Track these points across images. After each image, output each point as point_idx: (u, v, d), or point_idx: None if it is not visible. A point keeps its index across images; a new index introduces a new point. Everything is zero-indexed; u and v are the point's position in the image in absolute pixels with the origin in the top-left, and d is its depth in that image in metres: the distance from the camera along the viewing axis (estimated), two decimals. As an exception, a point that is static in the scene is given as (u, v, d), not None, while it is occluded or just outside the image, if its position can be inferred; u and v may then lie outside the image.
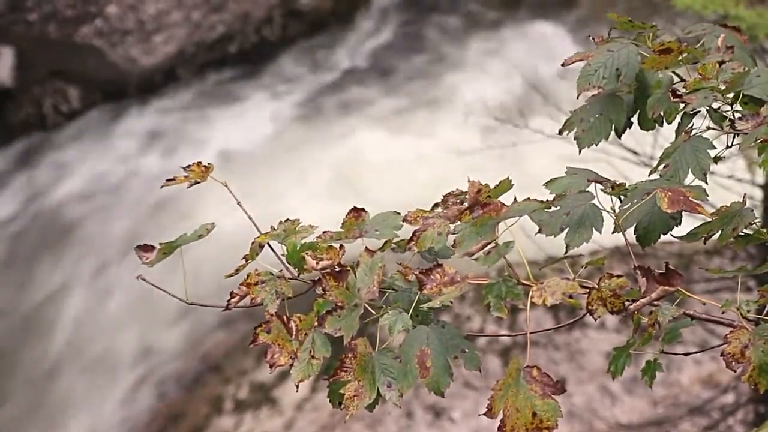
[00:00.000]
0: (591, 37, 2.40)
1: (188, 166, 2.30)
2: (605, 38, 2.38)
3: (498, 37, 11.67)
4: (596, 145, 2.38)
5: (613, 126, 2.36)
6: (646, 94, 2.34)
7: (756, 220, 2.16)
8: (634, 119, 2.39)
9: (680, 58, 2.29)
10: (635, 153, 6.64)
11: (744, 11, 6.15)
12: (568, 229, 2.11)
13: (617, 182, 2.17)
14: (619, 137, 2.39)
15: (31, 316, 9.12)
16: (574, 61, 2.36)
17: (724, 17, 6.15)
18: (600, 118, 2.36)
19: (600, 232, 2.12)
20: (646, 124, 2.37)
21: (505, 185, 2.12)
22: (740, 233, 2.15)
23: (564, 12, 11.77)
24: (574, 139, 2.37)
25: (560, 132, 2.41)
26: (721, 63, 2.28)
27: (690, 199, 2.06)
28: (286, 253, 2.15)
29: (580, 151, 2.36)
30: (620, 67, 2.30)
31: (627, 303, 2.00)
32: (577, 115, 2.39)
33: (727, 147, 2.23)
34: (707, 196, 2.10)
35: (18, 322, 9.10)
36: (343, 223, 2.21)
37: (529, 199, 2.11)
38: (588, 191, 2.16)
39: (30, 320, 9.09)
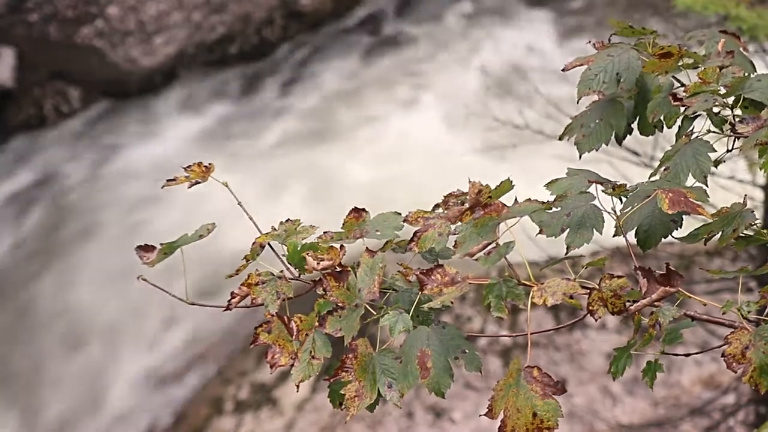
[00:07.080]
0: (591, 42, 2.40)
1: (189, 166, 2.30)
2: (605, 43, 2.38)
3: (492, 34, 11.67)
4: (596, 150, 2.38)
5: (614, 131, 2.36)
6: (647, 99, 2.34)
7: (756, 222, 2.16)
8: (635, 125, 2.39)
9: (680, 62, 2.29)
10: (636, 154, 6.63)
11: (745, 12, 6.13)
12: (568, 230, 2.12)
13: (618, 183, 2.17)
14: (620, 143, 2.39)
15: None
16: (575, 66, 2.36)
17: (725, 18, 6.14)
18: (600, 123, 2.36)
19: (601, 233, 2.13)
20: (646, 130, 2.37)
21: (506, 186, 2.12)
22: (741, 234, 2.15)
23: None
24: (575, 144, 2.37)
25: (561, 137, 2.42)
26: (721, 68, 2.28)
27: (691, 200, 2.06)
28: (286, 253, 2.15)
29: (580, 156, 2.37)
30: (621, 71, 2.30)
31: (628, 304, 2.00)
32: (577, 121, 2.39)
33: (728, 151, 2.24)
34: (708, 197, 2.10)
35: None
36: (343, 224, 2.21)
37: (530, 200, 2.11)
38: (589, 192, 2.16)
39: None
